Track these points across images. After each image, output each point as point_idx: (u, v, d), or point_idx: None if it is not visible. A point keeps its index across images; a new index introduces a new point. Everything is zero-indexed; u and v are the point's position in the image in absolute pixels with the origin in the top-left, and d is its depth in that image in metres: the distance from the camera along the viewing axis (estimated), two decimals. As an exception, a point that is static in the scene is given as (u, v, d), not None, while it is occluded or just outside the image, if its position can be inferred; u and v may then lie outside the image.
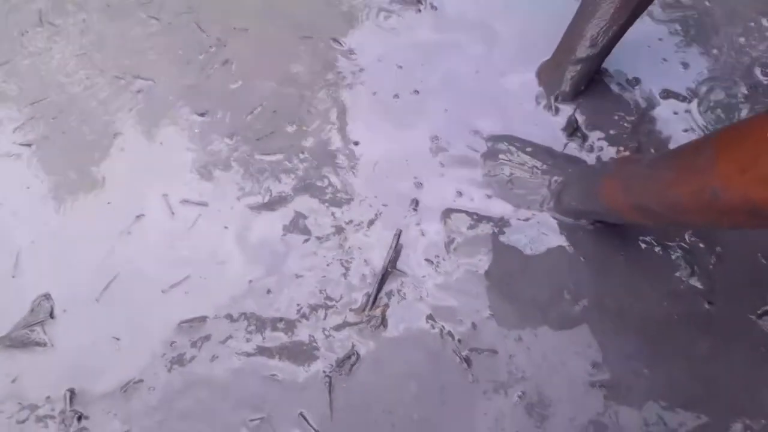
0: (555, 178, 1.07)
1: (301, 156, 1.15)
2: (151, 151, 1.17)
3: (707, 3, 1.30)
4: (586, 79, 1.14)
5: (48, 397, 0.99)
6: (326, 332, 1.01)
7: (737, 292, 1.03)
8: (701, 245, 1.05)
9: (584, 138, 1.14)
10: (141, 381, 1.00)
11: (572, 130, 1.14)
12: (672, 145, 1.14)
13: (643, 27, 1.26)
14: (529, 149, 1.11)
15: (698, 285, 1.03)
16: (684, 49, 1.25)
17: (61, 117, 1.21)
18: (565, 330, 1.01)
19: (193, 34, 1.28)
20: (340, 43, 1.27)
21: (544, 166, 1.08)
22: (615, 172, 0.93)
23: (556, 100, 1.16)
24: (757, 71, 1.21)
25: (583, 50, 1.09)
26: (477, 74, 1.23)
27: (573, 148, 1.14)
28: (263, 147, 1.16)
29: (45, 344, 1.02)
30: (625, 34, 1.06)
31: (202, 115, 1.20)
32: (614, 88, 1.19)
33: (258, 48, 1.27)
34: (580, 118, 1.16)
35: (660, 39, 1.26)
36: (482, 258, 1.06)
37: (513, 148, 1.12)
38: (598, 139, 1.15)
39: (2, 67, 1.27)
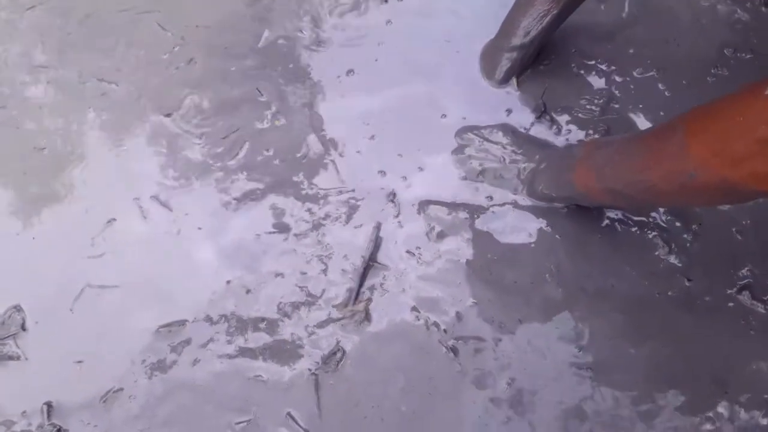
0: (524, 165, 1.06)
1: (273, 152, 1.12)
2: (117, 155, 1.13)
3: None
4: (520, 67, 1.14)
5: (24, 412, 0.95)
6: (309, 330, 0.99)
7: (715, 268, 1.04)
8: (677, 223, 1.05)
9: (552, 121, 1.13)
10: (121, 390, 0.97)
11: (540, 113, 1.13)
12: (641, 126, 1.13)
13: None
14: (494, 138, 1.10)
15: (677, 263, 1.04)
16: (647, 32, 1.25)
17: (22, 124, 1.16)
18: (549, 314, 1.00)
19: (156, 33, 1.24)
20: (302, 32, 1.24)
21: (513, 155, 1.07)
22: (585, 157, 0.92)
23: (494, 82, 1.16)
24: (723, 50, 1.22)
25: (517, 39, 1.11)
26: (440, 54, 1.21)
27: (540, 132, 1.12)
28: (233, 145, 1.13)
29: (18, 357, 0.98)
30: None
31: (168, 115, 1.16)
32: (580, 69, 1.18)
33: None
34: (547, 100, 1.15)
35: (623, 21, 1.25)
36: (462, 247, 1.05)
37: (477, 140, 1.10)
38: (567, 122, 1.14)
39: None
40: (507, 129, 1.12)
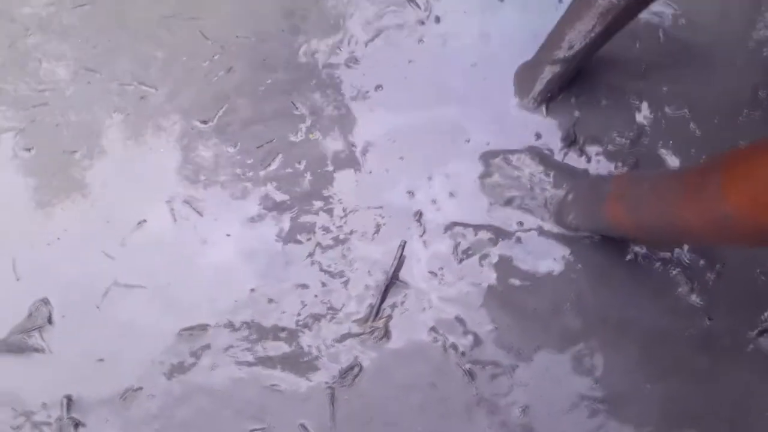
0: (551, 193, 1.06)
1: (305, 164, 1.13)
2: (151, 158, 1.15)
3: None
4: (558, 84, 1.14)
5: (44, 404, 0.97)
6: (328, 343, 1.00)
7: (736, 309, 1.04)
8: (701, 262, 1.05)
9: (582, 151, 1.14)
10: (140, 389, 0.98)
11: (570, 141, 1.14)
12: (670, 162, 1.13)
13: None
14: (521, 164, 1.10)
15: (698, 301, 1.03)
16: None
17: (62, 122, 1.18)
18: (567, 343, 1.00)
19: (198, 41, 1.26)
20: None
21: (540, 183, 1.08)
22: (617, 191, 0.92)
23: (530, 101, 1.16)
24: (757, 92, 1.21)
25: (560, 52, 1.11)
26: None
27: (569, 160, 1.13)
28: (266, 156, 1.14)
29: (42, 350, 1.00)
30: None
31: (204, 122, 1.18)
32: (612, 102, 1.19)
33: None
34: (578, 130, 1.15)
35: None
36: (485, 270, 1.05)
37: (505, 166, 1.11)
38: (596, 153, 1.14)
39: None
40: (535, 154, 1.12)
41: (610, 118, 1.17)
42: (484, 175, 1.12)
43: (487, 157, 1.14)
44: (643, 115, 1.19)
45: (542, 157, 1.13)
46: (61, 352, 1.01)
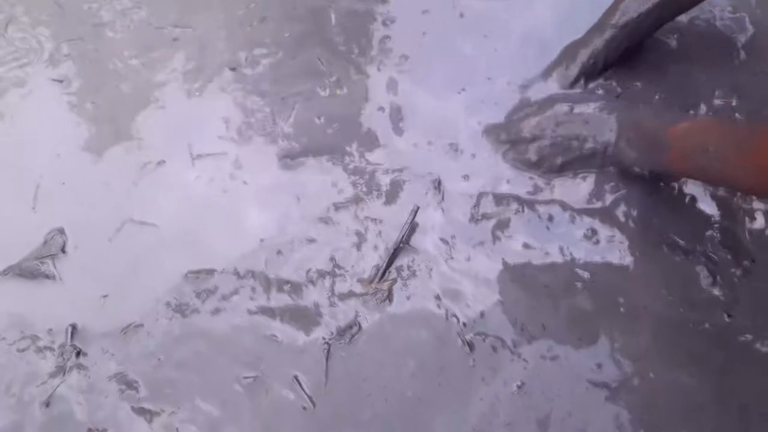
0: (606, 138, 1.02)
1: (329, 119, 1.11)
2: (178, 100, 1.15)
3: None
4: (604, 53, 1.10)
5: (50, 330, 0.98)
6: (331, 300, 0.98)
7: (760, 309, 0.97)
8: (728, 256, 0.99)
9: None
10: (141, 325, 0.99)
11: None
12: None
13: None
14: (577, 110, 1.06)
15: (719, 296, 0.98)
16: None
17: (97, 58, 1.19)
18: (574, 324, 0.96)
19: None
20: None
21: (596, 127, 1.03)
22: (677, 144, 0.93)
23: (570, 72, 1.11)
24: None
25: (612, 18, 1.07)
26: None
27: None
28: (291, 108, 1.12)
29: (54, 277, 1.01)
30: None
31: (233, 69, 1.17)
32: (654, 84, 1.12)
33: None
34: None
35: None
36: (498, 242, 1.02)
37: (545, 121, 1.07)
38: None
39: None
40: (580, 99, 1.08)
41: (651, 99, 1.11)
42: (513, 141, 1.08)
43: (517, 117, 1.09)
44: (689, 101, 1.11)
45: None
46: (71, 282, 1.02)
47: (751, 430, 0.92)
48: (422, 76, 1.16)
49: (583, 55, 1.10)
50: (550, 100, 1.07)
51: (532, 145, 1.04)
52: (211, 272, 1.01)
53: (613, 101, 1.04)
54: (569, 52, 1.13)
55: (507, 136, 1.07)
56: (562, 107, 1.04)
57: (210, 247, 1.03)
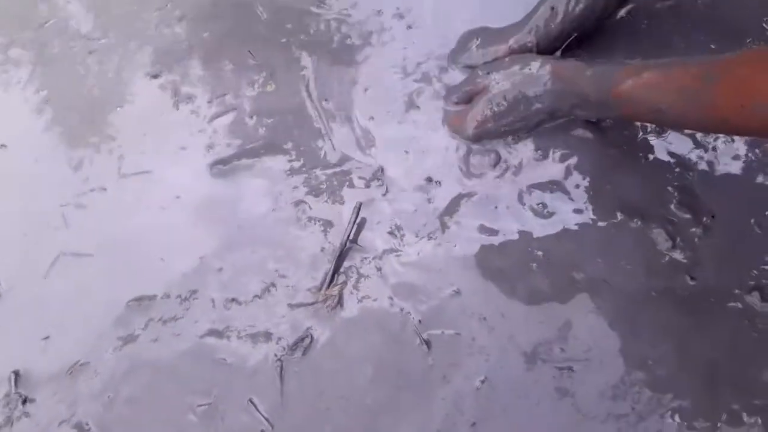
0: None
1: (261, 118, 1.05)
2: (98, 114, 1.07)
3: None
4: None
5: (-8, 380, 0.92)
6: (279, 313, 0.94)
7: (725, 266, 0.93)
8: (686, 215, 0.94)
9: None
10: (87, 363, 0.93)
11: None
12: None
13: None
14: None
15: (681, 258, 0.93)
16: None
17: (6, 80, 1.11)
18: (534, 307, 0.91)
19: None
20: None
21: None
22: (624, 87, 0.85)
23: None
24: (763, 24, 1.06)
25: None
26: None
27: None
28: (219, 110, 1.05)
29: (-11, 325, 0.95)
30: None
31: (155, 77, 1.09)
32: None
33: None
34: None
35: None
36: (448, 229, 0.96)
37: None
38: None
39: None
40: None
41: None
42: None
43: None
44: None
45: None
46: (9, 326, 0.97)
47: (721, 388, 0.87)
48: (359, 60, 1.08)
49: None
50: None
51: (476, 109, 0.97)
52: (152, 298, 0.95)
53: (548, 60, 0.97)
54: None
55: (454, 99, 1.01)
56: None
57: (149, 271, 0.97)
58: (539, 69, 0.94)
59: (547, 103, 0.95)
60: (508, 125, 0.98)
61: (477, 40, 1.06)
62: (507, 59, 0.99)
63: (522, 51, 1.00)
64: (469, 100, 1.01)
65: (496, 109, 0.97)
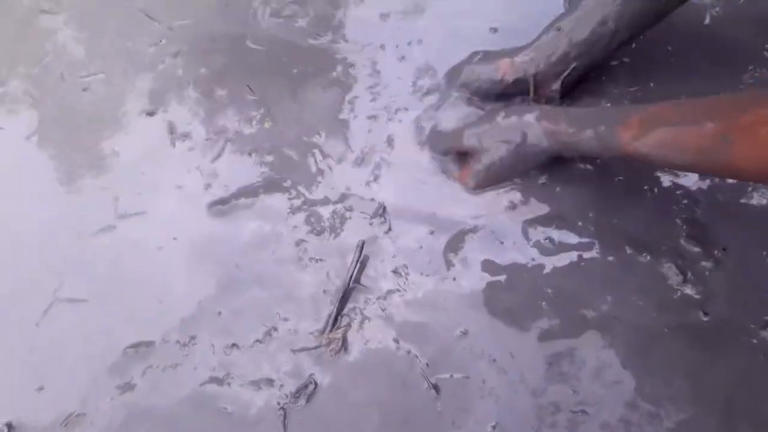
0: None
1: (259, 156, 1.02)
2: (96, 151, 1.03)
3: None
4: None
5: (-16, 433, 0.88)
6: (281, 358, 0.90)
7: (738, 300, 0.90)
8: (696, 249, 0.91)
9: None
10: (83, 414, 0.89)
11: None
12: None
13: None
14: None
15: (692, 293, 0.90)
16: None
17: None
18: (544, 346, 0.88)
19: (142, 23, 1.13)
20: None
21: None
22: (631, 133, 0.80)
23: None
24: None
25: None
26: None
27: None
28: (216, 147, 1.02)
29: (-20, 375, 0.91)
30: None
31: (150, 114, 1.06)
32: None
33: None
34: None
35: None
36: (453, 267, 0.93)
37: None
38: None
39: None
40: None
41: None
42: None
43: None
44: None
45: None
46: (1, 377, 0.91)
47: (738, 425, 0.84)
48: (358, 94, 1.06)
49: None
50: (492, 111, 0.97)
51: (475, 173, 0.95)
52: (150, 344, 0.91)
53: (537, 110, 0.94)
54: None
55: (445, 146, 0.97)
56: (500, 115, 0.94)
57: (146, 316, 0.94)
58: (534, 136, 0.91)
59: (548, 159, 0.93)
60: (510, 179, 0.96)
61: (479, 54, 1.03)
62: (492, 123, 0.96)
63: (523, 70, 0.96)
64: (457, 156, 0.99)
65: (496, 171, 0.96)
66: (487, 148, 0.93)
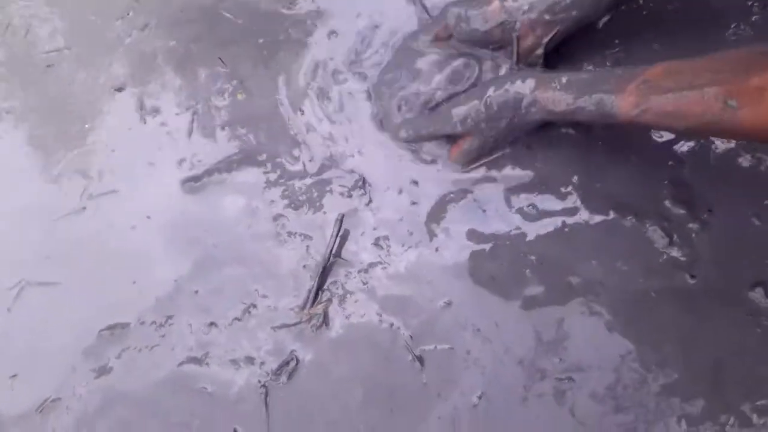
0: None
1: (233, 129, 0.99)
2: (64, 129, 0.99)
3: None
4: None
5: (-43, 423, 0.85)
6: (261, 336, 0.87)
7: (725, 262, 0.88)
8: (682, 211, 0.88)
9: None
10: (58, 399, 0.86)
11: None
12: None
13: None
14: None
15: (679, 257, 0.87)
16: None
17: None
18: (529, 315, 0.86)
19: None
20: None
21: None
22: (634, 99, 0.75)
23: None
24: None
25: None
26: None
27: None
28: (189, 122, 0.99)
29: (-49, 363, 0.87)
30: None
31: (119, 90, 1.02)
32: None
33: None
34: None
35: None
36: (436, 237, 0.90)
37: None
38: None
39: None
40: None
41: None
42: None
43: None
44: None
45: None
46: (-26, 364, 0.87)
47: (728, 389, 0.83)
48: (336, 61, 1.02)
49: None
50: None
51: (466, 150, 0.91)
52: (125, 326, 0.88)
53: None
54: None
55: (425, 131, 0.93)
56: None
57: (121, 297, 0.91)
58: (530, 109, 0.87)
59: (537, 126, 0.89)
60: (500, 150, 0.92)
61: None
62: (483, 99, 0.88)
63: (511, 14, 0.90)
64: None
65: (490, 147, 0.92)
66: (480, 128, 0.89)
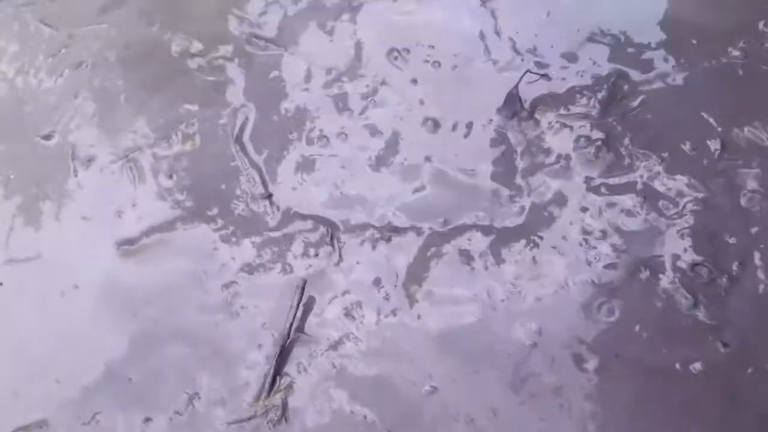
0: None
1: (179, 179, 0.83)
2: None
3: None
4: None
5: None
6: (208, 434, 0.68)
7: (759, 323, 0.69)
8: (708, 265, 0.71)
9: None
10: None
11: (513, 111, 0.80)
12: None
13: None
14: None
15: (705, 319, 0.70)
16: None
17: None
18: (532, 400, 0.70)
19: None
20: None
21: None
22: None
23: None
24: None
25: None
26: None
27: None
28: (129, 172, 0.83)
29: None
30: None
31: (47, 138, 0.85)
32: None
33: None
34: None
35: None
36: (415, 303, 0.74)
37: None
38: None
39: None
40: None
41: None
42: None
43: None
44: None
45: None
46: None
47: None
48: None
49: None
50: None
51: None
52: (42, 425, 0.70)
53: None
54: None
55: None
56: None
57: (38, 388, 0.73)
58: None
59: None
60: None
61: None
62: None
63: None
64: None
65: None
66: None
